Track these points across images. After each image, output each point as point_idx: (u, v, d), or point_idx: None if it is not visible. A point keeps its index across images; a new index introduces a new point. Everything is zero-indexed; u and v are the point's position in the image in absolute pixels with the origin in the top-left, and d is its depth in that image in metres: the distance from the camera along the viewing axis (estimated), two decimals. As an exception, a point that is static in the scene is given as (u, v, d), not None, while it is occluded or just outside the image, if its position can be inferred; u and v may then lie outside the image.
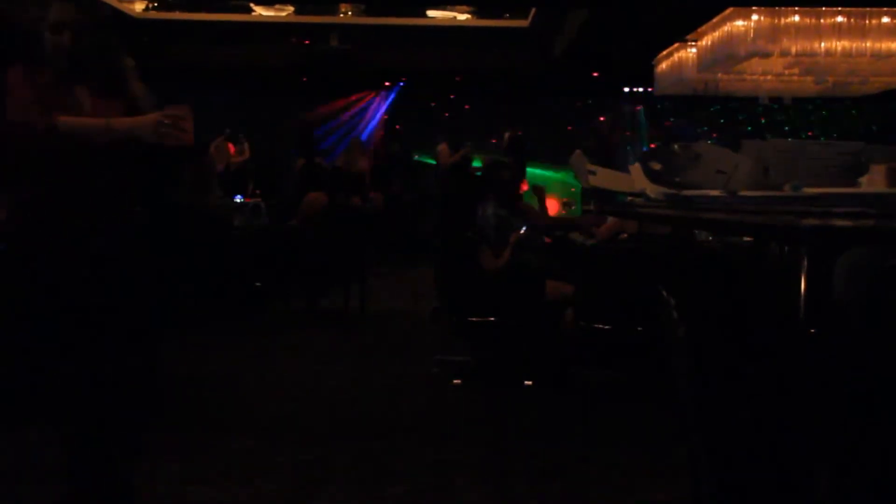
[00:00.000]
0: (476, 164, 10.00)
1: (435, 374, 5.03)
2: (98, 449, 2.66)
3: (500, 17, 11.12)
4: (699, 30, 7.46)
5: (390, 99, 13.75)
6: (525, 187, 8.15)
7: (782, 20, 6.43)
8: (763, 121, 13.12)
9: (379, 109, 13.70)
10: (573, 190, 11.05)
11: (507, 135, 10.46)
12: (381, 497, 3.17)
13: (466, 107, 13.88)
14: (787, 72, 7.35)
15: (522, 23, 10.83)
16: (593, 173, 3.44)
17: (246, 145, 10.08)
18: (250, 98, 13.08)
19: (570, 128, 13.71)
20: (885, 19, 6.39)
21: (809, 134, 12.75)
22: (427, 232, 9.77)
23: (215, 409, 4.36)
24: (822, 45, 6.42)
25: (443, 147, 10.17)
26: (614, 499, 3.19)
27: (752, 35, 6.46)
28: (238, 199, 8.19)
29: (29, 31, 2.50)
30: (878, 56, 6.49)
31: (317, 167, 9.86)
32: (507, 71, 11.98)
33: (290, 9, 10.86)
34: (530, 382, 4.74)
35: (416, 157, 12.92)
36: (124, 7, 10.57)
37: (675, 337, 1.82)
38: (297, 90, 13.29)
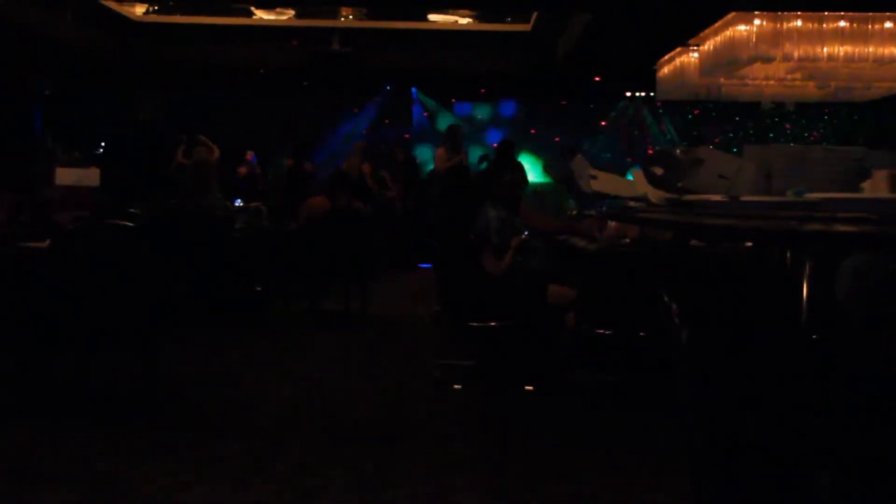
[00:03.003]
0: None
1: (436, 378, 5.02)
2: None
3: (501, 21, 11.12)
4: (701, 34, 7.46)
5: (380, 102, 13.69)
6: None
7: (784, 25, 6.42)
8: (767, 123, 13.12)
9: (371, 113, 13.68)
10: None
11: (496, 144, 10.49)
12: (382, 500, 3.16)
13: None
14: (789, 77, 7.35)
15: (524, 27, 10.84)
16: (594, 178, 3.44)
17: (210, 144, 10.12)
18: (250, 101, 13.09)
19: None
20: (888, 24, 6.39)
21: (812, 139, 12.74)
22: (423, 235, 9.76)
23: (215, 410, 4.35)
24: (825, 49, 6.42)
25: (440, 151, 10.11)
26: (616, 502, 3.18)
27: (754, 40, 6.46)
28: (238, 202, 8.20)
29: None
30: (880, 61, 6.48)
31: (303, 171, 9.90)
32: (508, 75, 11.99)
33: (291, 12, 10.87)
34: (532, 386, 4.73)
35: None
36: (124, 10, 10.59)
37: (676, 341, 1.81)
38: (297, 93, 13.29)
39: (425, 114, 13.58)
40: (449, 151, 9.90)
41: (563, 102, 13.46)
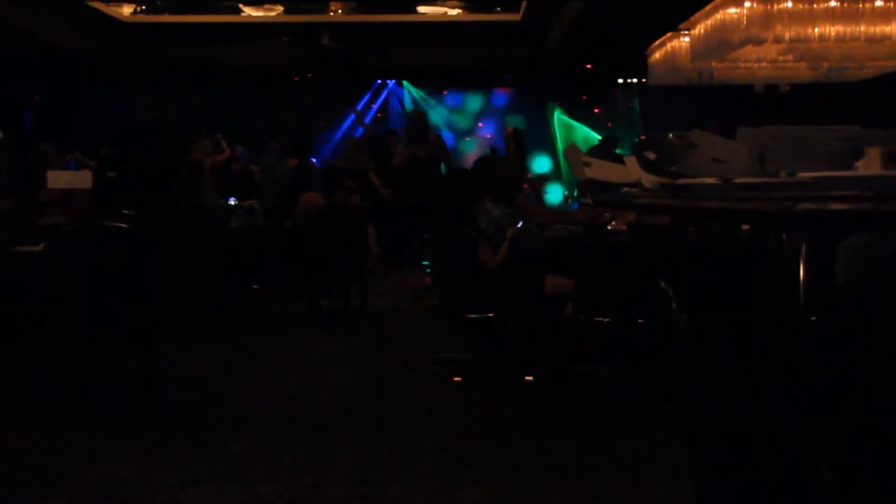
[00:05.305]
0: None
1: (436, 372, 5.01)
2: None
3: (490, 11, 11.08)
4: (692, 18, 7.42)
5: (382, 97, 13.69)
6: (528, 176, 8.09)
7: (775, 6, 6.38)
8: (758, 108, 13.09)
9: (371, 108, 13.66)
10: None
11: (509, 129, 10.24)
12: (383, 496, 3.15)
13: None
14: (781, 58, 7.31)
15: (514, 16, 10.80)
16: (588, 165, 3.43)
17: (224, 144, 10.14)
18: (242, 99, 13.04)
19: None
20: (879, 3, 6.35)
21: (805, 120, 12.70)
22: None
23: (215, 410, 4.34)
24: (816, 30, 6.37)
25: (399, 148, 9.78)
26: (617, 494, 3.17)
27: (745, 22, 6.42)
28: (231, 200, 8.16)
29: None
30: (872, 40, 6.45)
31: (309, 167, 9.84)
32: (499, 65, 11.96)
33: (280, 8, 10.83)
34: (531, 378, 4.72)
35: None
36: (112, 11, 10.54)
37: (674, 328, 1.80)
38: (288, 90, 13.25)
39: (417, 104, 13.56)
40: (406, 145, 9.41)
41: (556, 91, 13.44)
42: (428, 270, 6.75)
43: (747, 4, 6.44)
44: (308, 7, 10.95)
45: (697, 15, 7.24)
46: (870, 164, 2.12)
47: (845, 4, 6.38)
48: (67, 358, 4.52)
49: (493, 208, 4.99)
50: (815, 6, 6.38)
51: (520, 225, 4.93)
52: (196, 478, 3.32)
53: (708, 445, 1.65)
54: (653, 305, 1.95)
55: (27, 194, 6.23)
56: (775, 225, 1.74)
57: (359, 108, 13.03)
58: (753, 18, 6.40)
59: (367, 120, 12.93)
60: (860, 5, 6.39)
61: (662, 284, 1.89)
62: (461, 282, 4.96)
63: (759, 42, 6.55)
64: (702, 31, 7.16)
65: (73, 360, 4.58)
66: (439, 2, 10.73)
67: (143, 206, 6.45)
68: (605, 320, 4.62)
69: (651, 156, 2.60)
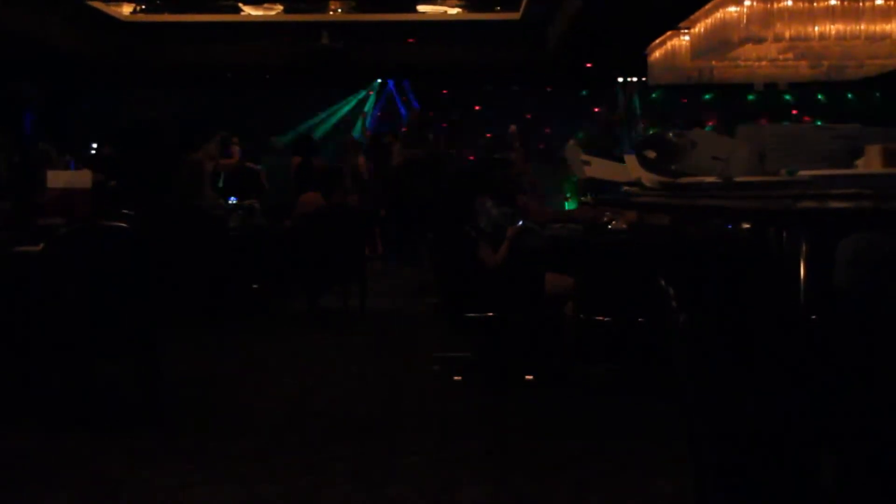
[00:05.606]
0: None
1: (436, 372, 5.01)
2: None
3: (490, 10, 11.08)
4: (692, 17, 7.42)
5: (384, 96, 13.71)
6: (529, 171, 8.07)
7: (775, 5, 6.37)
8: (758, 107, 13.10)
9: (374, 106, 13.65)
10: None
11: (513, 127, 10.15)
12: (383, 496, 3.15)
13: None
14: (781, 57, 7.31)
15: (514, 15, 10.80)
16: (588, 164, 3.42)
17: (236, 149, 10.09)
18: (242, 99, 13.04)
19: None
20: (879, 1, 6.34)
21: (805, 119, 12.73)
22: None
23: (216, 410, 4.34)
24: (816, 28, 6.37)
25: (396, 147, 9.75)
26: (618, 493, 3.17)
27: (745, 21, 6.41)
28: (232, 200, 8.16)
29: None
30: (872, 38, 6.44)
31: (313, 166, 9.82)
32: (499, 64, 11.96)
33: (280, 7, 10.83)
34: (531, 378, 4.71)
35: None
36: (111, 11, 10.54)
37: (674, 326, 1.79)
38: (288, 89, 13.26)
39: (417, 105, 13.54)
40: (405, 144, 9.29)
41: (554, 89, 13.45)
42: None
43: (747, 3, 6.43)
44: (308, 6, 10.95)
45: (697, 13, 7.23)
46: (870, 163, 2.11)
47: (845, 3, 6.37)
48: (67, 358, 4.52)
49: (493, 208, 4.99)
50: (815, 5, 6.37)
51: (519, 224, 4.92)
52: (196, 478, 3.31)
53: (708, 445, 1.64)
54: (652, 305, 1.94)
55: (27, 194, 6.23)
56: (775, 223, 1.73)
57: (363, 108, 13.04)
58: (753, 17, 6.39)
59: (368, 119, 12.91)
60: (860, 4, 6.38)
61: (662, 283, 1.88)
62: (461, 281, 4.96)
63: (759, 41, 6.54)
64: (702, 29, 7.15)
65: (73, 360, 4.57)
66: (439, 1, 10.73)
67: (143, 206, 6.45)
68: (605, 319, 4.61)
69: (651, 154, 2.60)
